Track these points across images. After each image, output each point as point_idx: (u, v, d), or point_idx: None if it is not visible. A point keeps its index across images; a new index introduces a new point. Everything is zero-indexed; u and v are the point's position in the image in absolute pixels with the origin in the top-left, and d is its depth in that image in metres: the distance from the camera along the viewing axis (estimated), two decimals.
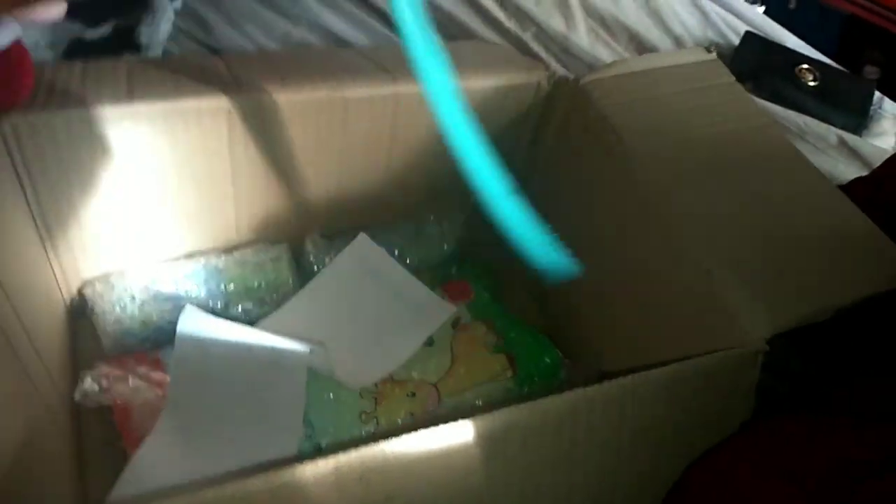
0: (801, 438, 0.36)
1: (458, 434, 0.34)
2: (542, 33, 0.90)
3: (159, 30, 0.72)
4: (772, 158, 0.52)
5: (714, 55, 0.59)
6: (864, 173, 0.81)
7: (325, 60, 0.53)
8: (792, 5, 1.89)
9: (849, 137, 0.87)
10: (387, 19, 0.89)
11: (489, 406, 0.52)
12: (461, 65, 0.55)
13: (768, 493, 0.34)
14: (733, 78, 0.57)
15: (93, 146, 0.47)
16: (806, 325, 0.43)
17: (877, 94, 0.98)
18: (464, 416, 0.35)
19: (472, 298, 0.59)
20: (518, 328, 0.58)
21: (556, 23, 0.93)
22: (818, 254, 0.47)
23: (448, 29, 0.88)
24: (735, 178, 0.50)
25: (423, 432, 0.33)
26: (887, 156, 0.74)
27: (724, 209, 0.48)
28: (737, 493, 0.35)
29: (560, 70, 0.87)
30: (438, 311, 0.57)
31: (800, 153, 0.53)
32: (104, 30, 0.74)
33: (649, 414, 0.40)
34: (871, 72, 2.13)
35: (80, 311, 0.56)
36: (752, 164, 0.51)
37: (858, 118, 0.92)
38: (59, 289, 0.54)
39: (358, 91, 0.50)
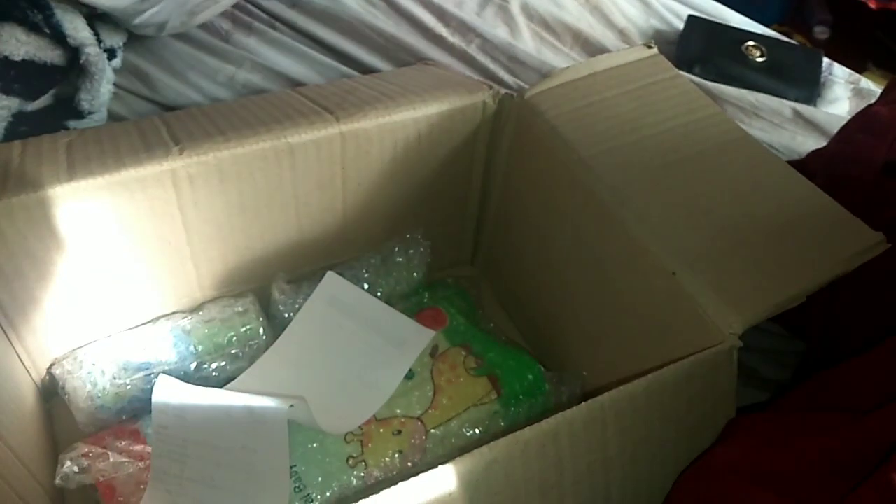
0: (782, 440, 0.36)
1: (441, 481, 0.34)
2: (487, 44, 0.90)
3: (100, 93, 0.71)
4: (723, 147, 0.52)
5: (655, 50, 0.59)
6: (823, 143, 0.82)
7: (265, 108, 0.53)
8: None
9: (803, 109, 0.87)
10: (333, 51, 0.88)
11: (475, 440, 0.52)
12: (405, 93, 0.55)
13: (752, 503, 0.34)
14: (676, 71, 0.57)
15: (40, 230, 0.46)
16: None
17: (825, 60, 0.99)
18: (449, 454, 0.34)
19: (447, 324, 0.59)
20: (497, 347, 0.57)
21: (499, 32, 0.93)
22: (781, 238, 0.47)
23: (392, 52, 0.88)
24: (689, 173, 0.50)
25: (402, 486, 0.33)
26: (842, 122, 0.74)
27: (682, 207, 0.48)
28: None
29: (508, 79, 0.86)
30: (418, 338, 0.57)
31: (750, 136, 0.53)
32: (44, 100, 0.73)
33: (631, 428, 0.39)
34: (820, 32, 2.16)
35: (51, 392, 0.55)
36: (704, 156, 0.51)
37: (810, 88, 0.92)
38: (28, 372, 0.53)
39: (301, 136, 0.50)
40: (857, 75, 0.98)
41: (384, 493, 0.33)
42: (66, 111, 0.73)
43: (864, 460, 0.31)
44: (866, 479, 0.30)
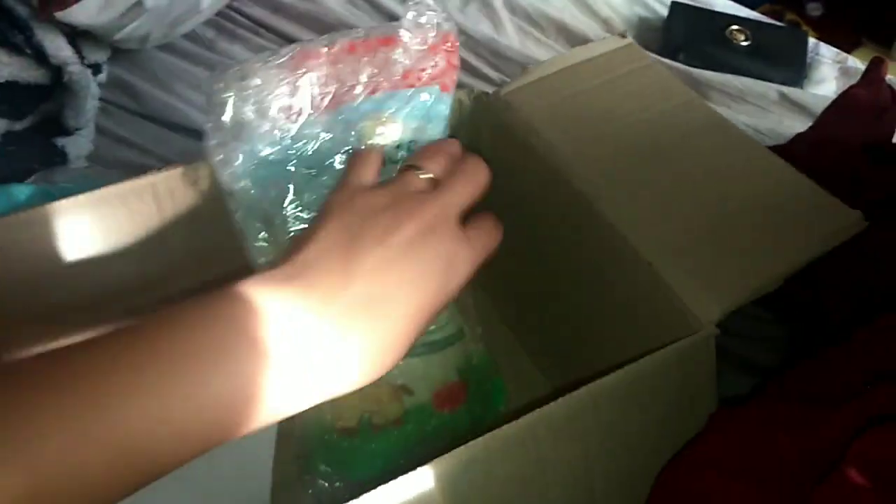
0: (762, 434, 0.36)
1: (420, 482, 0.34)
2: (470, 40, 0.90)
3: (85, 109, 0.72)
4: (699, 133, 0.52)
5: (629, 39, 0.59)
6: (809, 125, 0.81)
7: None
8: None
9: (789, 91, 0.87)
10: None
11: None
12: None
13: (731, 499, 0.34)
14: (650, 59, 0.57)
15: (23, 251, 0.46)
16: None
17: (812, 40, 0.98)
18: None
19: None
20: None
21: (482, 27, 0.93)
22: (759, 221, 0.47)
23: None
24: (665, 162, 0.50)
25: (382, 489, 0.33)
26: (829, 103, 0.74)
27: (659, 195, 0.48)
28: (701, 500, 0.35)
29: (493, 74, 0.87)
30: None
31: (726, 121, 0.53)
32: (31, 119, 0.73)
33: (611, 420, 0.39)
34: (813, 8, 2.15)
35: None
36: (681, 143, 0.51)
37: (797, 69, 0.92)
38: None
39: None
40: (844, 54, 0.98)
41: (364, 496, 0.33)
42: (53, 129, 0.74)
43: (835, 454, 0.32)
44: (828, 475, 0.31)
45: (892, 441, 0.31)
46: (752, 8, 1.06)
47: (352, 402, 0.48)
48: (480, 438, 0.36)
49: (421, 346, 0.49)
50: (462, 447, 0.35)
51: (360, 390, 0.47)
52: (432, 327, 0.49)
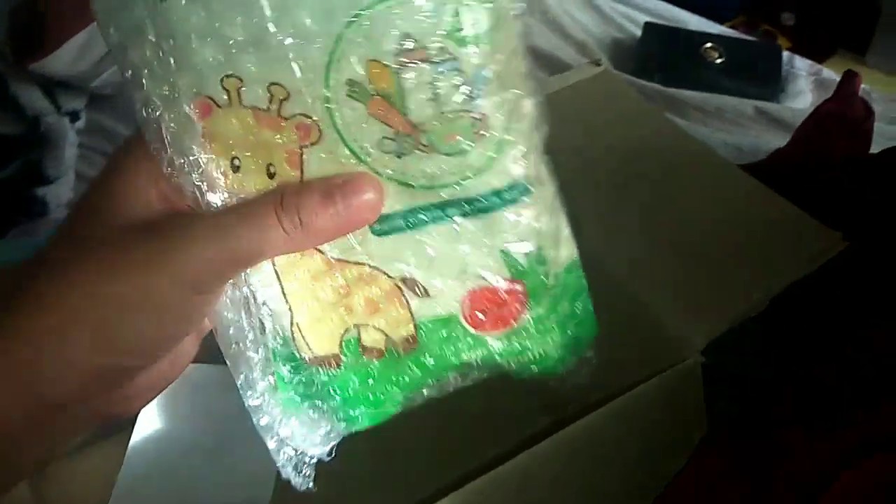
0: (748, 463, 0.36)
1: None
2: None
3: (64, 158, 0.71)
4: (675, 158, 0.53)
5: (604, 66, 0.59)
6: (787, 139, 0.82)
7: None
8: None
9: (766, 106, 0.88)
10: None
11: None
12: None
13: None
14: (625, 85, 0.58)
15: None
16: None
17: (786, 53, 0.99)
18: None
19: None
20: None
21: None
22: (739, 246, 0.47)
23: None
24: (643, 189, 0.50)
25: None
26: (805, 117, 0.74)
27: (639, 224, 0.48)
28: None
29: None
30: None
31: (701, 143, 0.54)
32: (11, 170, 0.73)
33: (604, 453, 0.39)
34: (787, 18, 2.17)
35: None
36: (658, 170, 0.52)
37: (772, 84, 0.93)
38: None
39: None
40: (819, 66, 0.99)
41: None
42: (32, 178, 0.73)
43: (818, 484, 0.31)
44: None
45: (874, 475, 0.30)
46: (724, 21, 1.07)
47: (329, 315, 0.28)
48: (476, 482, 0.35)
49: (438, 206, 0.26)
50: (459, 491, 0.35)
51: (340, 299, 0.28)
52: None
